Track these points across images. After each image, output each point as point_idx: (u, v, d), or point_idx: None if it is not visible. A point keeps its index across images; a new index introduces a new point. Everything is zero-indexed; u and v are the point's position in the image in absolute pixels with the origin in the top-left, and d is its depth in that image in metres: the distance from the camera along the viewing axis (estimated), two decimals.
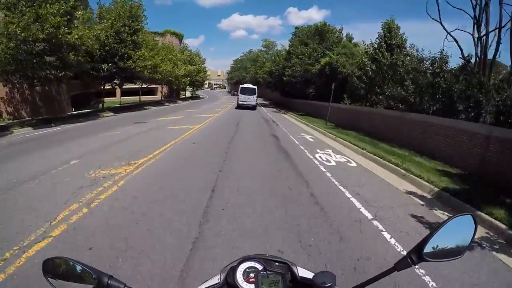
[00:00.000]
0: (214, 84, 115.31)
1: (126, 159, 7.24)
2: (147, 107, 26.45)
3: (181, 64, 34.34)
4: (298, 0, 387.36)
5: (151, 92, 38.76)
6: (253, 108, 25.39)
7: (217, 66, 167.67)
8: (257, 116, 19.89)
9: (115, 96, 33.85)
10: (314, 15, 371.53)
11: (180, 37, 50.14)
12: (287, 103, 32.71)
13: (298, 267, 0.94)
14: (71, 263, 0.80)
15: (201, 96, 57.27)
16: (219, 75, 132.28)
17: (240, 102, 25.43)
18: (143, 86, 28.48)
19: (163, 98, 38.04)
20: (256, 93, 25.82)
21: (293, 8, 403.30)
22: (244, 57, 71.14)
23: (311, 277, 0.85)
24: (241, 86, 27.14)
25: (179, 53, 37.40)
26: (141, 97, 29.96)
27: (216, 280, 0.94)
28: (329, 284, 0.76)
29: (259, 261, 0.92)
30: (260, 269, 0.90)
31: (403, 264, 0.76)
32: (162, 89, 38.02)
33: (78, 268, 0.79)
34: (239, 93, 26.20)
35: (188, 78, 37.78)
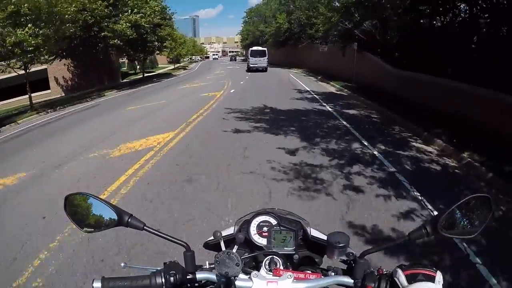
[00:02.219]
0: (230, 52, 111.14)
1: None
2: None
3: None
4: None
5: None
6: (263, 70, 25.82)
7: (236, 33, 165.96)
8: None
9: None
10: None
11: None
12: None
13: (310, 227, 0.97)
14: (93, 199, 0.80)
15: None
16: (236, 42, 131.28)
17: (251, 65, 25.91)
18: None
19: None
20: (267, 55, 26.80)
21: None
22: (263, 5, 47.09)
23: (322, 237, 0.91)
24: (251, 49, 28.18)
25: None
26: None
27: (230, 231, 0.97)
28: (343, 244, 0.77)
29: (274, 216, 0.93)
30: (273, 224, 0.93)
31: (417, 234, 0.74)
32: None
33: (100, 204, 0.80)
34: (249, 56, 26.94)
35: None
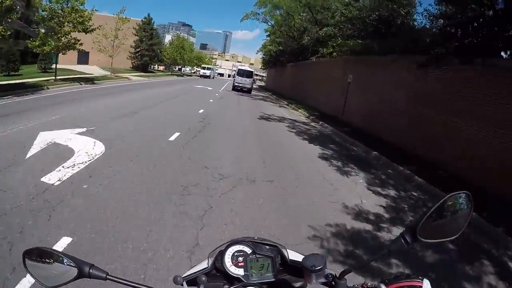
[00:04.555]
0: (236, 66, 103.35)
1: None
2: None
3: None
4: None
5: None
6: (248, 91, 24.97)
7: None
8: None
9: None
10: None
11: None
12: None
13: (288, 250, 0.92)
14: (51, 252, 0.78)
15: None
16: (252, 63, 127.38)
17: (236, 84, 25.59)
18: None
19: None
20: (253, 76, 26.11)
21: None
22: None
23: (300, 260, 0.83)
24: (238, 67, 27.85)
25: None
26: None
27: (204, 265, 0.90)
28: (319, 267, 0.73)
29: (248, 244, 0.90)
30: (249, 252, 0.89)
31: (397, 245, 0.72)
32: None
33: (59, 257, 0.77)
34: (236, 75, 26.50)
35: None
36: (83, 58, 36.42)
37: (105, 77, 22.48)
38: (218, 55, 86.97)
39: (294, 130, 10.06)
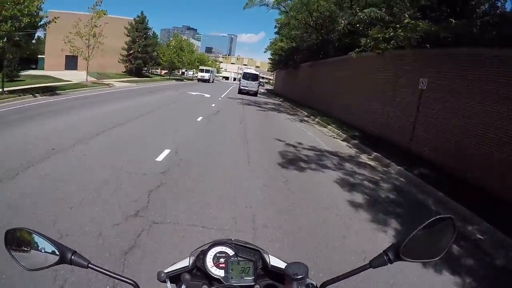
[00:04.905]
0: (242, 69, 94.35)
1: None
2: None
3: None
4: None
5: None
6: (254, 94, 24.91)
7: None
8: None
9: None
10: None
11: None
12: None
13: (270, 256, 0.92)
14: (34, 235, 0.76)
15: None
16: (257, 66, 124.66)
17: (242, 87, 25.48)
18: None
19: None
20: (259, 79, 26.16)
21: None
22: None
23: (283, 267, 0.82)
24: (244, 71, 27.76)
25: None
26: None
27: (185, 263, 0.90)
28: (301, 276, 0.73)
29: (231, 246, 0.89)
30: (231, 254, 0.88)
31: (379, 261, 0.76)
32: None
33: (42, 240, 0.76)
34: (241, 78, 26.54)
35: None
36: (72, 63, 32.23)
37: (77, 85, 17.91)
38: (223, 57, 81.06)
39: (362, 202, 4.89)
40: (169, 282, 0.80)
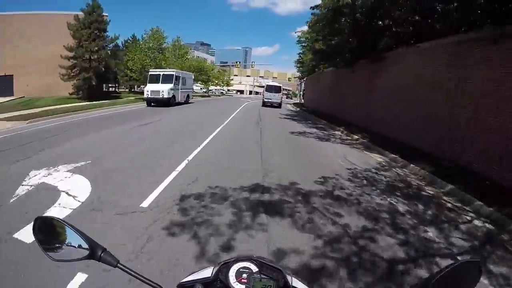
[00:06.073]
0: (259, 81, 76.24)
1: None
2: None
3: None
4: None
5: None
6: (277, 106, 24.91)
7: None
8: None
9: None
10: None
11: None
12: None
13: (293, 277, 0.88)
14: (65, 226, 0.75)
15: None
16: (289, 78, 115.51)
17: (265, 100, 25.42)
18: None
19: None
20: (281, 91, 26.75)
21: None
22: None
23: None
24: (266, 84, 28.11)
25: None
26: None
27: (208, 273, 0.89)
28: None
29: (255, 262, 0.87)
30: (254, 271, 0.86)
31: None
32: None
33: (72, 233, 0.75)
34: (264, 91, 26.58)
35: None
36: (3, 85, 22.95)
37: None
38: (236, 65, 70.32)
39: None
40: None
